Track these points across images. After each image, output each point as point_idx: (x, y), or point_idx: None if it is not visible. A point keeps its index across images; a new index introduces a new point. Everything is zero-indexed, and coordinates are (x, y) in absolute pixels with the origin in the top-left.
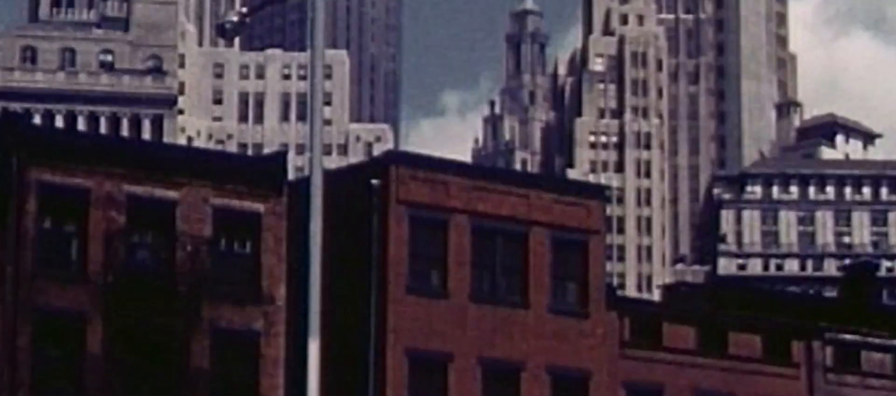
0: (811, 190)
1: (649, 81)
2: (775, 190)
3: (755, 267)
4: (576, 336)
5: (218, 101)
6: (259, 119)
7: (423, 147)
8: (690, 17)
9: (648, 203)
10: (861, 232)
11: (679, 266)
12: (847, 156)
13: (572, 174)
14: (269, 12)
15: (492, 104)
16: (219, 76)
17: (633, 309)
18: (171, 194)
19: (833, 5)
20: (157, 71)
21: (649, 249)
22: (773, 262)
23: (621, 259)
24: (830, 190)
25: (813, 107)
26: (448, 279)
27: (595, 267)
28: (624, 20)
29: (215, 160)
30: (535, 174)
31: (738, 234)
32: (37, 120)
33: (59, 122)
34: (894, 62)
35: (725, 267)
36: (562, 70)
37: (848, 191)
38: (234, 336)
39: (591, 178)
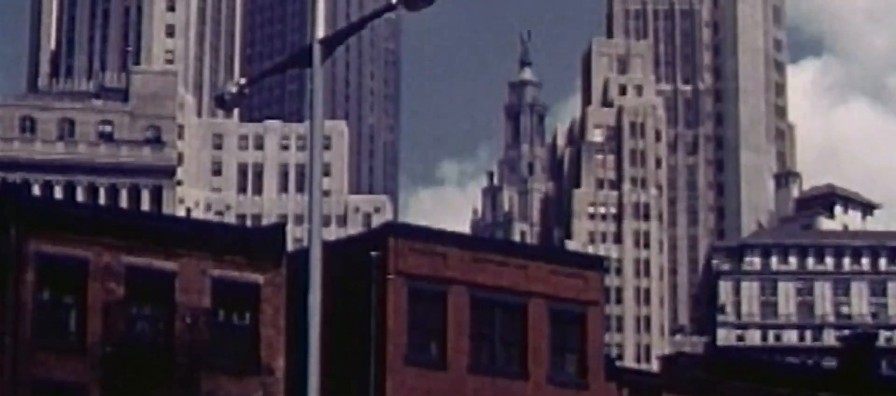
0: (810, 260)
1: (648, 152)
2: (774, 260)
3: (754, 337)
4: None
5: (217, 172)
6: (258, 190)
7: (421, 216)
8: (689, 87)
9: (647, 274)
10: (860, 303)
11: (678, 336)
12: (846, 226)
13: (571, 245)
14: (267, 83)
15: (490, 175)
16: (218, 147)
17: (632, 379)
18: (170, 265)
19: (832, 74)
20: (156, 141)
21: (648, 320)
22: (771, 333)
23: (620, 329)
24: (829, 260)
25: (812, 176)
26: (447, 350)
27: (594, 337)
28: (622, 90)
29: (214, 231)
30: (534, 245)
31: (737, 305)
32: (36, 190)
33: (58, 193)
34: (893, 131)
35: (724, 337)
36: (560, 140)
37: (846, 261)
38: None
39: (590, 249)
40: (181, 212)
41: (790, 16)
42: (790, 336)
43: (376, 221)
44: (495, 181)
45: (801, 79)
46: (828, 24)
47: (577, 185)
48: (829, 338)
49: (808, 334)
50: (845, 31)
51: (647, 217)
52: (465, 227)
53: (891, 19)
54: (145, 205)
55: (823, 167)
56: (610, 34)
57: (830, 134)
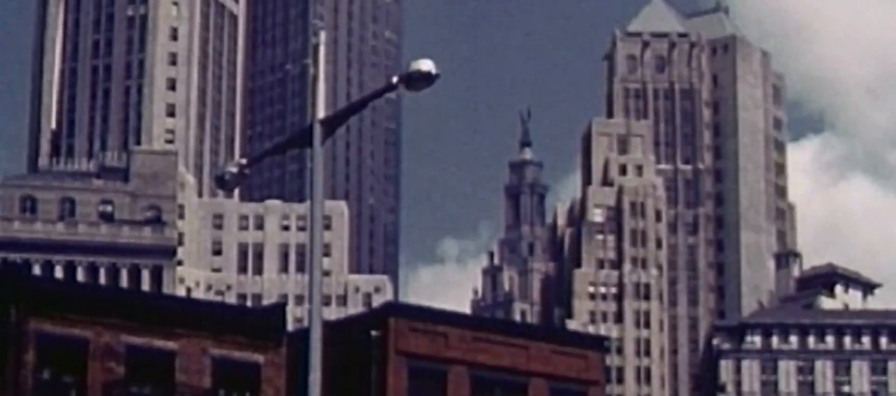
0: (810, 339)
1: (648, 232)
2: (774, 340)
3: None
4: None
5: (217, 252)
6: (258, 270)
7: (422, 295)
8: (689, 167)
9: (647, 353)
10: (861, 382)
11: None
12: (846, 305)
13: (571, 325)
14: (268, 163)
15: (491, 255)
16: (218, 227)
17: None
18: (170, 345)
19: (832, 150)
20: (157, 221)
21: None
22: None
23: None
24: (830, 339)
25: (813, 253)
26: None
27: None
28: (623, 170)
29: (214, 311)
30: (535, 325)
31: (738, 384)
32: (36, 270)
33: (59, 273)
34: (894, 207)
35: None
36: (561, 220)
37: (847, 340)
38: None
39: (591, 329)
40: (181, 292)
41: (791, 92)
42: None
43: (376, 301)
44: (495, 261)
45: (801, 155)
46: (828, 100)
47: (578, 265)
48: None
49: None
50: (846, 107)
51: (647, 297)
52: (465, 306)
53: (891, 95)
54: (146, 285)
55: (824, 244)
56: (610, 114)
57: (831, 210)
